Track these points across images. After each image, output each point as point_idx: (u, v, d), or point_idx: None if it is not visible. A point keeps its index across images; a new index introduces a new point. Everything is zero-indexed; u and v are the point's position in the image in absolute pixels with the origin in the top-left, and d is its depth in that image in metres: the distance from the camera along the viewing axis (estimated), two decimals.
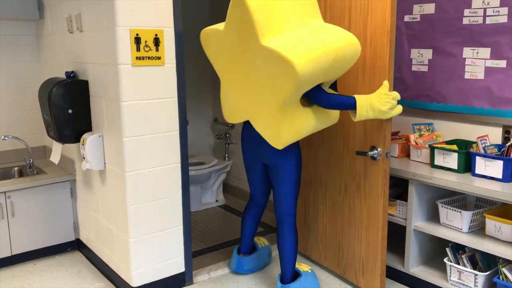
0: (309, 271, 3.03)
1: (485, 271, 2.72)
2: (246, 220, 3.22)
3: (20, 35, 3.80)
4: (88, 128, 3.11)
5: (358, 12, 2.73)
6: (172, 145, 2.90)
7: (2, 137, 3.59)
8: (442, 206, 2.91)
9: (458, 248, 2.86)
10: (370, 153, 2.72)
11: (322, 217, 3.22)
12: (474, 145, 2.89)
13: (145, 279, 2.94)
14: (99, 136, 2.97)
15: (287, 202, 2.84)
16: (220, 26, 2.65)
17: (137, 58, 2.67)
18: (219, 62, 2.78)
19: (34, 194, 3.41)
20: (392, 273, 3.13)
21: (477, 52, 3.00)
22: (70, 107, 3.01)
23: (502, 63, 2.88)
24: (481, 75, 2.99)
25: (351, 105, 2.54)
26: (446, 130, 3.24)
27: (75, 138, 3.08)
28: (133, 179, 2.78)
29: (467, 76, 3.06)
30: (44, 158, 3.94)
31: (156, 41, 2.72)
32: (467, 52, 3.05)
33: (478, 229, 2.84)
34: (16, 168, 3.78)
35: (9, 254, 3.38)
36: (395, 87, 3.42)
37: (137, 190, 2.81)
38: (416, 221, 2.97)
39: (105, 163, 3.00)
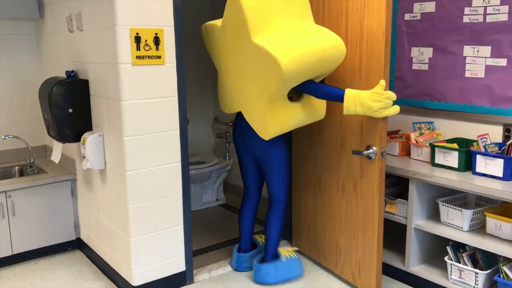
0: (290, 257, 3.12)
1: (486, 270, 2.72)
2: (242, 218, 3.26)
3: (20, 34, 3.80)
4: (88, 127, 3.11)
5: (355, 12, 2.75)
6: (172, 144, 2.90)
7: (3, 137, 3.59)
8: (442, 205, 2.91)
9: (459, 247, 2.86)
10: (365, 152, 2.72)
11: (321, 217, 3.22)
12: (474, 143, 2.89)
13: (146, 278, 2.94)
14: (100, 135, 2.98)
15: (278, 190, 3.04)
16: (219, 22, 2.86)
17: (137, 57, 2.67)
18: (217, 55, 2.98)
19: (34, 193, 3.42)
20: (393, 272, 3.13)
21: (478, 51, 2.99)
22: (70, 107, 3.02)
23: (503, 62, 2.88)
24: (481, 74, 2.99)
25: (339, 97, 2.60)
26: (447, 128, 3.24)
27: (76, 137, 3.08)
28: (134, 178, 2.78)
29: (467, 74, 3.06)
30: (45, 158, 3.94)
31: (156, 40, 2.72)
32: (467, 50, 3.05)
33: (479, 227, 2.84)
34: (16, 167, 3.78)
35: (10, 254, 3.38)
36: (395, 85, 3.42)
37: (138, 189, 2.81)
38: (417, 220, 2.97)
39: (105, 163, 3.01)
